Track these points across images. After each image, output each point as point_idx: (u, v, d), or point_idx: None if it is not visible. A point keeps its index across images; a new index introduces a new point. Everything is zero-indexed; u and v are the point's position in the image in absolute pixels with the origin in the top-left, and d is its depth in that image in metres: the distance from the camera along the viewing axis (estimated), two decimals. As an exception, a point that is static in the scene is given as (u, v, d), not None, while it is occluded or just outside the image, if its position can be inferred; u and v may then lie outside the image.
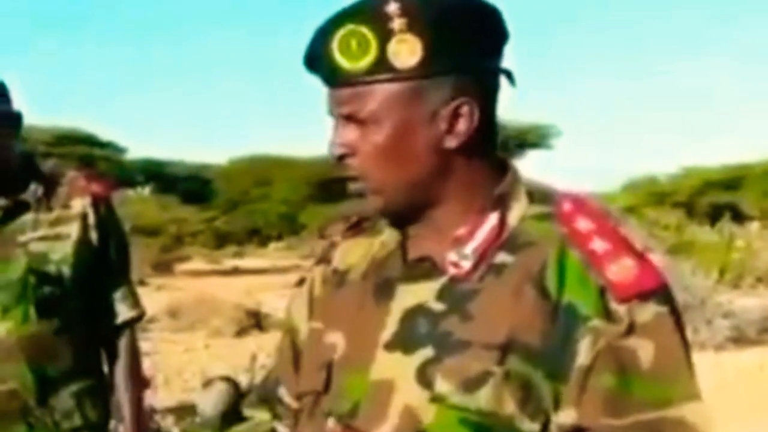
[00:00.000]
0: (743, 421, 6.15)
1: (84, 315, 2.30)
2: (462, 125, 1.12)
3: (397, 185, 1.14)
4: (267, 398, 1.35)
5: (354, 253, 1.27)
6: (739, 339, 9.38)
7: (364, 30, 1.09)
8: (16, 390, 2.20)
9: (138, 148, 32.73)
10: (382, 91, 1.11)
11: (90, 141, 26.08)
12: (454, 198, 1.15)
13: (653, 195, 24.64)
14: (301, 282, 1.35)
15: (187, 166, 30.09)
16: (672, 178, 27.47)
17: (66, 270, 2.23)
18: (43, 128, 21.72)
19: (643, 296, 1.07)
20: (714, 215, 19.32)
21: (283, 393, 1.31)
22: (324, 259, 1.32)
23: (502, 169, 1.18)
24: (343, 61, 1.10)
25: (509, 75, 1.18)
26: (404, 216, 1.18)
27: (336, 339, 1.21)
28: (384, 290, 1.18)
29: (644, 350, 1.06)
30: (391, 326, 1.15)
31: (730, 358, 8.77)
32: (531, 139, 26.47)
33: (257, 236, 27.34)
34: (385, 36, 1.09)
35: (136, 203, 19.35)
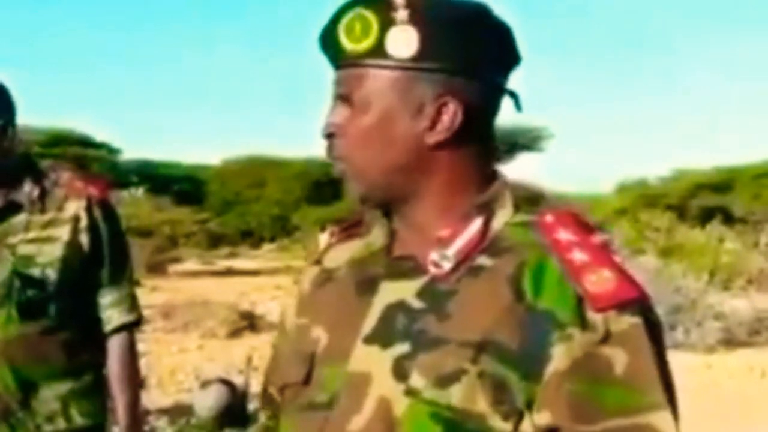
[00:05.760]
0: (733, 423, 6.20)
1: (75, 317, 2.28)
2: (443, 124, 1.15)
3: (375, 171, 1.17)
4: (266, 399, 1.39)
5: (344, 254, 1.31)
6: (730, 341, 9.44)
7: (369, 15, 1.14)
8: None
9: (132, 149, 32.67)
10: (376, 76, 1.15)
11: (84, 142, 25.96)
12: (433, 196, 1.18)
13: (644, 197, 24.63)
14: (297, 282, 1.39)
15: (181, 167, 30.03)
16: (663, 180, 27.50)
17: (51, 273, 2.22)
18: (37, 129, 21.65)
19: (620, 307, 1.08)
20: (705, 218, 19.38)
21: (273, 391, 1.35)
22: (317, 261, 1.35)
23: (491, 178, 1.21)
24: (345, 42, 1.16)
25: (514, 96, 1.22)
26: (383, 206, 1.22)
27: (319, 333, 1.24)
28: (367, 286, 1.21)
29: (618, 359, 1.08)
30: (371, 321, 1.18)
31: (720, 359, 8.83)
32: (522, 141, 26.46)
33: (250, 237, 27.29)
34: (386, 23, 1.13)
35: (130, 204, 19.32)
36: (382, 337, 1.16)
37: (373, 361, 1.15)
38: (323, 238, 1.39)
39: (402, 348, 1.14)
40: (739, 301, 10.65)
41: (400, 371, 1.13)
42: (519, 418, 1.08)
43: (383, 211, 1.24)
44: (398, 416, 1.12)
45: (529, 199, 1.22)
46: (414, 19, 1.13)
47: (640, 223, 15.79)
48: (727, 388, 7.59)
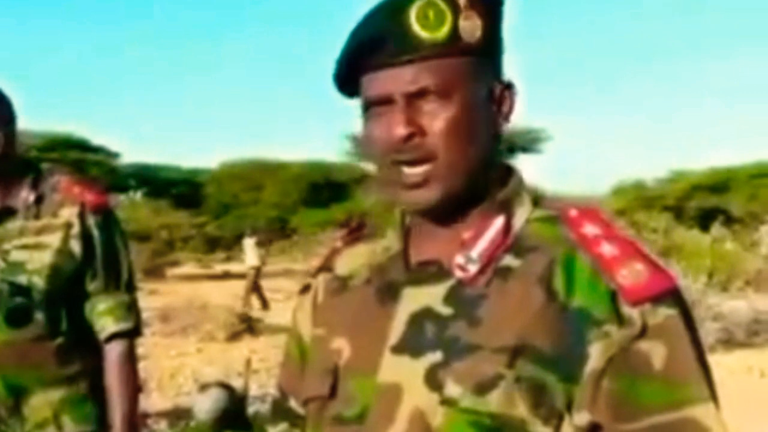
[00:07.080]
0: (732, 423, 6.21)
1: (67, 324, 2.23)
2: (506, 107, 1.14)
3: (465, 166, 1.11)
4: (282, 411, 1.33)
5: (356, 260, 1.26)
6: (728, 341, 9.47)
7: (439, 2, 1.09)
8: None
9: (130, 153, 32.69)
10: (452, 65, 1.10)
11: (82, 146, 26.02)
12: (480, 192, 1.14)
13: (642, 199, 24.71)
14: (305, 289, 1.33)
15: (179, 170, 30.04)
16: (660, 182, 27.58)
17: (38, 281, 2.17)
18: (35, 133, 21.67)
19: (655, 299, 1.05)
20: (702, 219, 19.43)
21: (294, 404, 1.29)
22: (326, 267, 1.30)
23: (506, 173, 1.18)
24: (421, 32, 1.09)
25: None
26: (451, 210, 1.14)
27: (341, 344, 1.19)
28: (388, 293, 1.17)
29: (656, 353, 1.04)
30: (397, 330, 1.13)
31: (719, 360, 8.83)
32: (520, 142, 26.50)
33: (248, 241, 27.30)
34: (455, 10, 1.10)
35: (128, 208, 19.34)
36: (411, 346, 1.12)
37: (403, 372, 1.11)
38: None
39: (434, 357, 1.09)
40: (737, 302, 10.67)
41: (433, 381, 1.09)
42: (559, 421, 1.05)
43: (444, 212, 1.15)
44: (435, 427, 1.08)
45: (532, 200, 1.17)
46: (474, 5, 1.10)
47: (637, 224, 15.82)
48: (726, 388, 7.54)
